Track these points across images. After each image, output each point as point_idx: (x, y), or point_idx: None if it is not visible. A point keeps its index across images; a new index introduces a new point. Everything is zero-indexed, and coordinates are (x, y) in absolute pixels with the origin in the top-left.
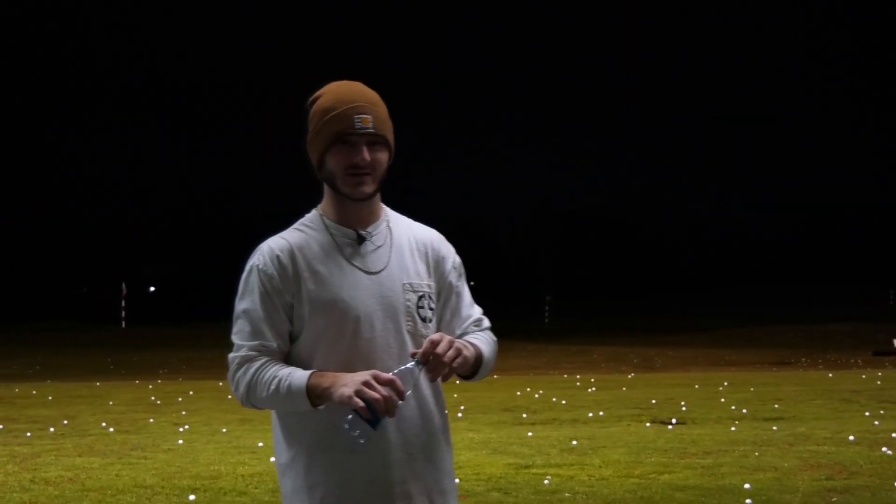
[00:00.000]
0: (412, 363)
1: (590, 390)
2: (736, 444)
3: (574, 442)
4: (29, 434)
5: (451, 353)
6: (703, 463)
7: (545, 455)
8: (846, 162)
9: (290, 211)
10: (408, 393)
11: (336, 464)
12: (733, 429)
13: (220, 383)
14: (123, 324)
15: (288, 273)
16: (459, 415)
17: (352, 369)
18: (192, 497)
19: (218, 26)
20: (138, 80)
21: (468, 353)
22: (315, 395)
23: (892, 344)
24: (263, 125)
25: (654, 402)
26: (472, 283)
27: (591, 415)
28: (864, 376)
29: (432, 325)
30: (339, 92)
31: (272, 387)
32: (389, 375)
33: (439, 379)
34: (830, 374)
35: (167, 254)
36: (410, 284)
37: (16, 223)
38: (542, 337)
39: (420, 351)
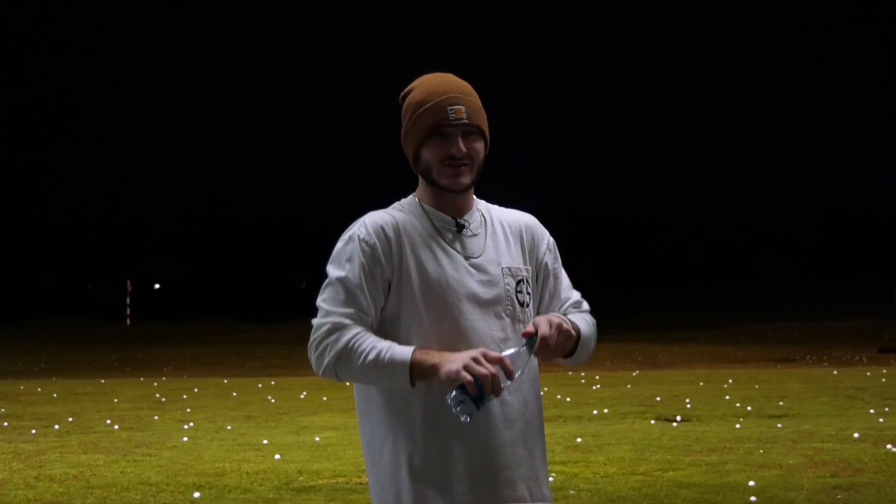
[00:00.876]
0: (523, 345)
1: (594, 387)
2: (741, 442)
3: (579, 439)
4: (34, 431)
5: (560, 338)
6: (708, 460)
7: (550, 452)
8: (853, 159)
9: (296, 209)
10: (518, 374)
11: (440, 447)
12: (738, 426)
13: (225, 380)
14: (128, 321)
15: (392, 247)
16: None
17: (452, 352)
18: (196, 494)
19: (232, 24)
20: (146, 75)
21: (573, 332)
22: (419, 370)
23: None
24: (272, 124)
25: (658, 399)
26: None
27: (595, 412)
28: (868, 373)
29: (530, 310)
30: (432, 84)
31: (371, 357)
32: (498, 354)
33: (536, 366)
34: (835, 372)
35: (172, 251)
36: (509, 269)
37: (21, 220)
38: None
39: (531, 331)
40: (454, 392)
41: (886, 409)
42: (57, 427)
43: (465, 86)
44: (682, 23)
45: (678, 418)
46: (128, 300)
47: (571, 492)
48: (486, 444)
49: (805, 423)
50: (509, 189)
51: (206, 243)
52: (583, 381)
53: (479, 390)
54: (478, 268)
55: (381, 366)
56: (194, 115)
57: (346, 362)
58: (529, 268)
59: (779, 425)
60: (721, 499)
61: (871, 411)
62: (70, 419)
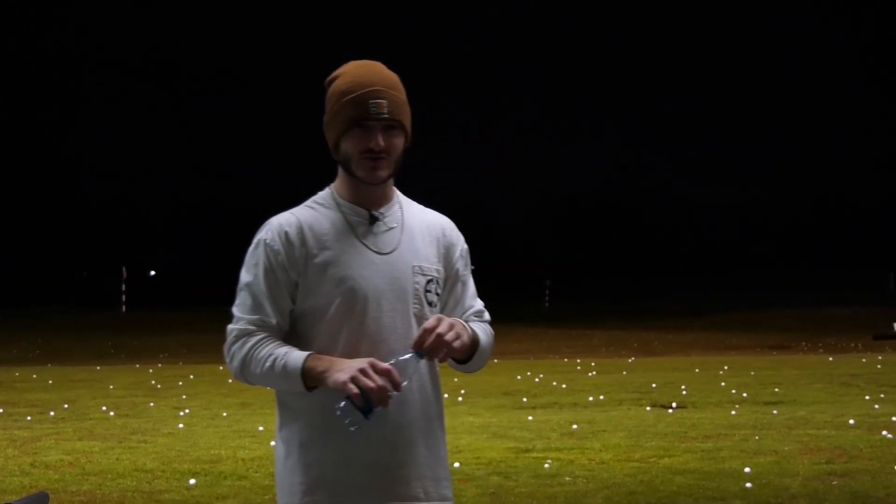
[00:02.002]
0: (411, 353)
1: (590, 374)
2: (736, 428)
3: (574, 426)
4: (29, 418)
5: (451, 334)
6: (703, 447)
7: (545, 439)
8: (846, 146)
9: (293, 196)
10: (405, 383)
11: (336, 444)
12: (733, 413)
13: (221, 367)
14: (124, 308)
15: (295, 250)
16: (460, 399)
17: (357, 349)
18: (192, 481)
19: (226, 12)
20: (141, 63)
21: (465, 335)
22: (310, 377)
23: (892, 328)
24: (267, 111)
25: (654, 386)
26: (472, 268)
27: (591, 399)
28: (863, 360)
29: (436, 310)
30: (357, 74)
31: (267, 364)
32: (387, 365)
33: (438, 366)
34: (830, 358)
35: (168, 238)
36: (420, 267)
37: (15, 206)
38: (542, 321)
39: (414, 342)
40: (343, 402)
41: (881, 396)
42: (52, 414)
43: (390, 78)
44: (673, 10)
45: (673, 405)
46: (123, 287)
47: (567, 478)
48: (382, 442)
49: (800, 409)
50: (502, 178)
51: (201, 230)
52: (578, 368)
53: (367, 402)
54: (388, 264)
55: (278, 372)
56: (191, 102)
57: (249, 369)
58: (441, 269)
59: (774, 412)
60: (716, 485)
61: (866, 398)
62: (65, 406)
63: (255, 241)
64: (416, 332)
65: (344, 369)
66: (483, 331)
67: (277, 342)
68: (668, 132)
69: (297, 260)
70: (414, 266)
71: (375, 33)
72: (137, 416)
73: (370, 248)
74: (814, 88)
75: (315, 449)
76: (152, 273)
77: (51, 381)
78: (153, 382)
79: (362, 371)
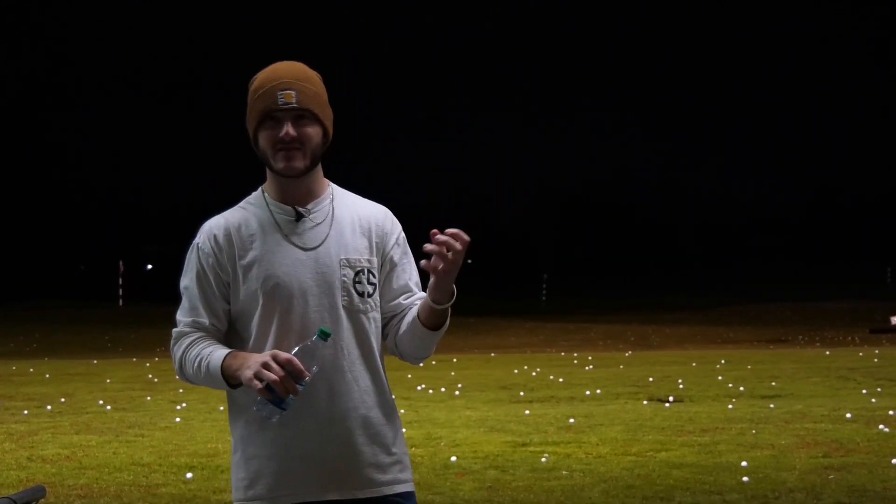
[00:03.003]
0: (315, 337)
1: (587, 368)
2: (733, 422)
3: (571, 420)
4: (26, 412)
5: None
6: (701, 441)
7: (542, 433)
8: (845, 140)
9: None
10: (314, 369)
11: (271, 438)
12: (730, 406)
13: None
14: (121, 302)
15: (223, 252)
16: (457, 393)
17: (285, 345)
18: (189, 475)
19: (220, 11)
20: (138, 57)
21: (456, 270)
22: (229, 375)
23: (890, 321)
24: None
25: (651, 379)
26: (469, 261)
27: (588, 393)
28: (861, 354)
29: (373, 300)
30: (269, 71)
31: (196, 364)
32: (287, 355)
33: (380, 357)
34: (827, 352)
35: (165, 232)
36: (347, 260)
37: (13, 201)
38: (539, 315)
39: (324, 324)
40: (258, 399)
41: (878, 390)
42: (49, 408)
43: (302, 72)
44: (673, 4)
45: (671, 399)
46: (120, 281)
47: (564, 472)
48: (315, 434)
49: (797, 403)
50: (500, 173)
51: (199, 224)
52: (575, 361)
53: (274, 393)
54: (313, 259)
55: (204, 372)
56: (188, 97)
57: (184, 369)
58: (374, 259)
59: (771, 406)
60: (713, 479)
61: (864, 392)
62: (62, 400)
63: (191, 245)
64: (346, 324)
65: (251, 365)
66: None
67: (208, 342)
68: (666, 126)
69: (225, 262)
70: (341, 259)
71: (374, 29)
72: (134, 409)
73: (295, 245)
74: (813, 83)
75: (253, 444)
76: (149, 267)
77: (48, 375)
78: (150, 376)
79: (264, 364)
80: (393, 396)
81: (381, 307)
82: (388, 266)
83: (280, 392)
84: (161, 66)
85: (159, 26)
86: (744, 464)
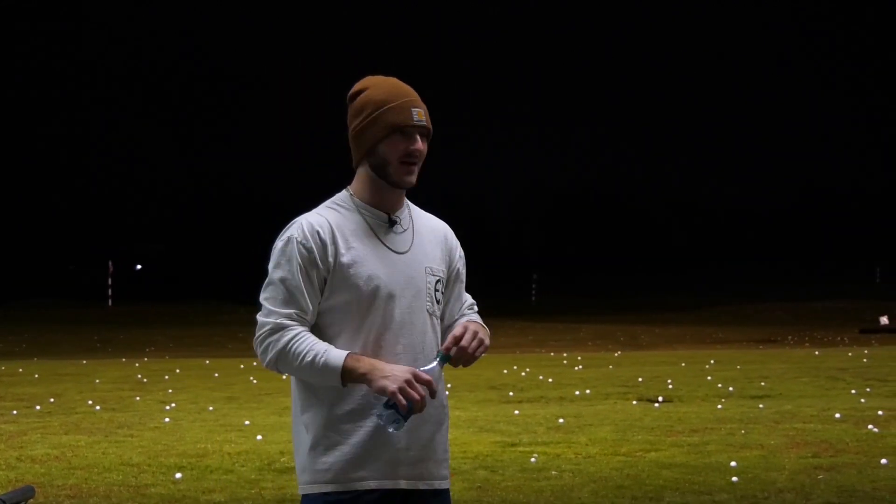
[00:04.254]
0: (436, 361)
1: (577, 368)
2: (722, 422)
3: (561, 420)
4: (15, 412)
5: (474, 343)
6: (690, 441)
7: (532, 433)
8: (834, 140)
9: (280, 191)
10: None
11: (355, 427)
12: (720, 407)
13: (207, 361)
14: (110, 301)
15: (326, 248)
16: (446, 392)
17: (380, 342)
18: (178, 475)
19: (207, 11)
20: (127, 58)
21: (486, 340)
22: (350, 377)
23: (879, 322)
24: (254, 108)
25: (640, 380)
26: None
27: (577, 393)
28: (850, 354)
29: (441, 308)
30: (392, 85)
31: (307, 359)
32: (428, 377)
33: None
34: (817, 352)
35: (155, 232)
36: (430, 268)
37: (2, 200)
38: (529, 315)
39: (444, 347)
40: (386, 411)
41: (868, 390)
42: (38, 408)
43: (416, 92)
44: (660, 6)
45: (660, 399)
46: (110, 281)
47: (553, 472)
48: (408, 424)
49: (787, 403)
50: (490, 173)
51: (188, 224)
52: (565, 361)
53: (409, 409)
54: (405, 263)
55: (317, 368)
56: (179, 98)
57: (286, 361)
58: (445, 270)
59: (760, 406)
60: (703, 479)
61: (853, 392)
62: (52, 400)
63: (284, 237)
64: (429, 327)
65: (389, 377)
66: (481, 323)
67: (314, 337)
68: (655, 127)
69: (327, 258)
70: (426, 266)
71: (366, 30)
72: (124, 410)
73: (390, 248)
74: (803, 82)
75: (337, 431)
76: (139, 267)
77: (37, 375)
78: (139, 376)
79: (408, 382)
80: None
81: (446, 318)
82: (454, 279)
83: (416, 409)
84: (151, 67)
85: (149, 26)
86: (733, 464)
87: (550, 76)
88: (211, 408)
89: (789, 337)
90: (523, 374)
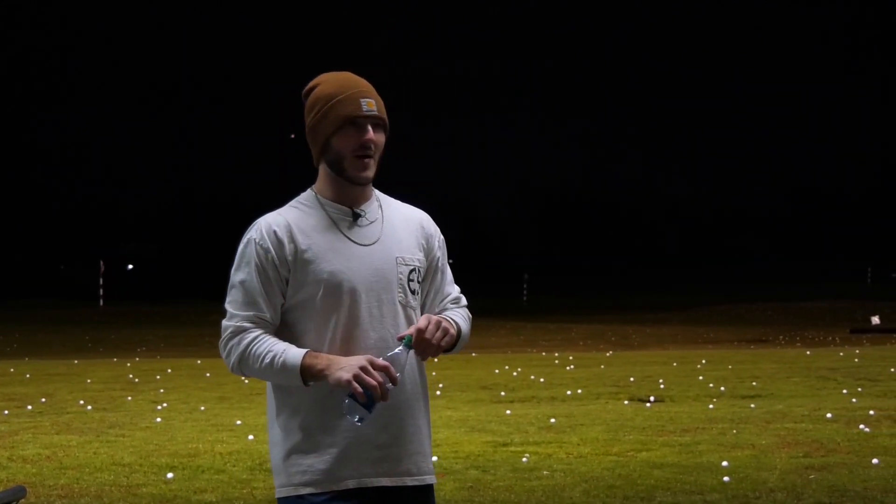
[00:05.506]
0: (401, 347)
1: (568, 368)
2: (714, 422)
3: (552, 420)
4: (6, 412)
5: (438, 334)
6: (681, 441)
7: (523, 433)
8: (825, 141)
9: (269, 191)
10: (398, 375)
11: (330, 426)
12: (711, 406)
13: (199, 361)
14: (101, 301)
15: (284, 248)
16: (438, 392)
17: (348, 338)
18: (170, 475)
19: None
20: (118, 58)
21: (452, 330)
22: (309, 374)
23: (870, 321)
24: (244, 108)
25: (632, 379)
26: (451, 261)
27: (569, 393)
28: (841, 354)
29: (418, 298)
30: (340, 79)
31: (266, 361)
32: (384, 362)
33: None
34: (808, 352)
35: (145, 232)
36: (402, 258)
37: None
38: (520, 314)
39: (407, 333)
40: (346, 401)
41: (859, 390)
42: (30, 408)
43: (370, 84)
44: (651, 7)
45: (651, 399)
46: (101, 281)
47: (545, 472)
48: (374, 422)
49: (778, 403)
50: (482, 173)
51: (180, 224)
52: (556, 361)
53: (369, 397)
54: (371, 255)
55: (276, 369)
56: (169, 98)
57: (248, 365)
58: (423, 259)
59: (752, 406)
60: (694, 479)
61: (844, 392)
62: (43, 400)
63: (244, 240)
64: (402, 319)
65: (344, 368)
66: (463, 318)
67: (273, 339)
68: (646, 127)
69: (285, 256)
70: (397, 257)
71: (362, 31)
72: (115, 409)
73: (354, 241)
74: (793, 83)
75: (314, 432)
76: (130, 267)
77: (28, 375)
78: (131, 376)
79: (363, 369)
80: None
81: (426, 310)
82: (433, 269)
83: (375, 397)
84: (142, 68)
85: (138, 28)
86: (724, 464)
87: (542, 77)
88: (202, 407)
89: (780, 337)
90: (515, 373)
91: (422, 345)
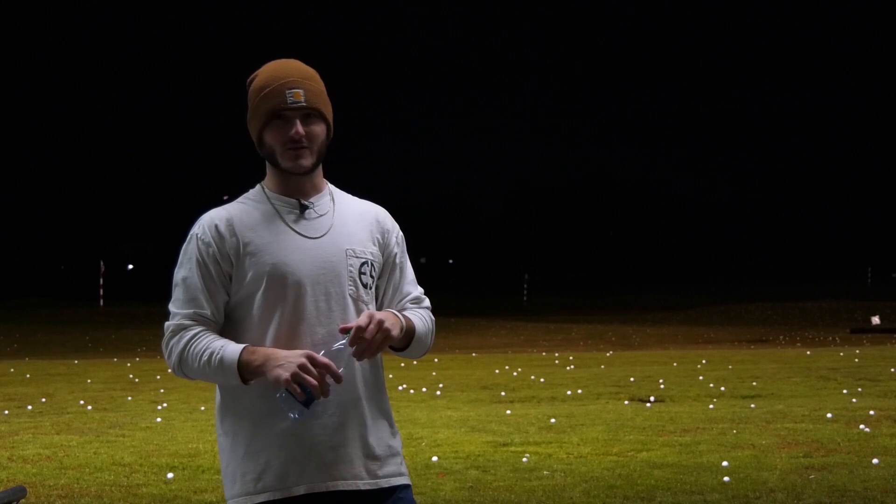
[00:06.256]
0: (344, 340)
1: (568, 368)
2: (714, 422)
3: (552, 420)
4: (6, 412)
5: (378, 335)
6: (682, 441)
7: (523, 433)
8: (826, 140)
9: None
10: (341, 370)
11: (279, 429)
12: (711, 406)
13: None
14: (101, 301)
15: (226, 242)
16: (438, 393)
17: (294, 334)
18: (170, 475)
19: (204, 11)
20: (119, 60)
21: (395, 331)
22: (247, 371)
23: (871, 321)
24: (244, 108)
25: (632, 379)
26: (451, 261)
27: (569, 393)
28: (841, 354)
29: (371, 293)
30: (273, 69)
31: (203, 359)
32: (325, 359)
33: (380, 358)
34: (808, 352)
35: (145, 231)
36: (353, 250)
37: None
38: (520, 314)
39: (350, 326)
40: (283, 394)
41: (859, 390)
42: (30, 408)
43: (306, 70)
44: (652, 7)
45: (651, 399)
46: (101, 281)
47: (545, 472)
48: (320, 424)
49: (778, 403)
50: (481, 172)
51: (179, 224)
52: (556, 361)
53: (307, 395)
54: (319, 248)
55: (214, 367)
56: (169, 97)
57: (187, 364)
58: (377, 254)
59: (752, 406)
60: (694, 479)
61: (844, 392)
62: (43, 400)
63: (188, 236)
64: (353, 313)
65: (282, 364)
66: (420, 318)
67: (213, 336)
68: (647, 127)
69: (227, 252)
70: (347, 249)
71: (358, 25)
72: (115, 409)
73: (300, 234)
74: (793, 83)
75: (261, 436)
76: (130, 267)
77: (28, 375)
78: (131, 376)
79: (302, 367)
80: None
81: (384, 306)
82: (390, 266)
83: (315, 395)
84: (142, 67)
85: (139, 27)
86: (725, 464)
87: (542, 78)
88: (203, 408)
89: (780, 337)
90: (515, 373)
91: (359, 343)
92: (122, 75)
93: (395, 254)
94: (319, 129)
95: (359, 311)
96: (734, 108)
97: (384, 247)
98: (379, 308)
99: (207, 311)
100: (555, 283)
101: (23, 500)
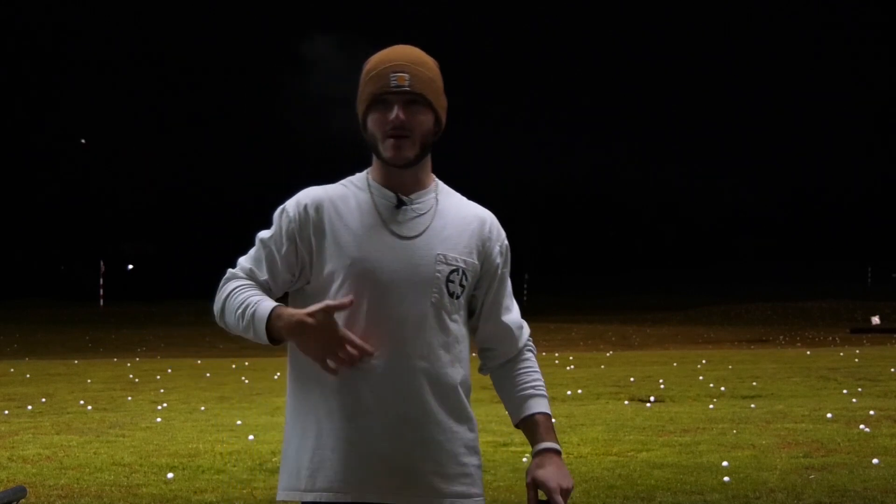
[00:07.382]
0: None
1: (568, 368)
2: (714, 422)
3: (552, 420)
4: (6, 412)
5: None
6: (682, 441)
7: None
8: (826, 142)
9: (270, 192)
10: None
11: (338, 429)
12: (711, 406)
13: (199, 361)
14: (101, 301)
15: (309, 225)
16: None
17: (367, 337)
18: (170, 475)
19: (204, 6)
20: (118, 58)
21: (571, 481)
22: (274, 331)
23: (870, 321)
24: (244, 109)
25: (632, 380)
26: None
27: (569, 393)
28: (841, 354)
29: (460, 303)
30: (384, 53)
31: (239, 310)
32: (348, 334)
33: (466, 355)
34: (808, 352)
35: (145, 232)
36: (445, 256)
37: None
38: (520, 314)
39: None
40: None
41: (859, 390)
42: (30, 408)
43: (418, 56)
44: (652, 7)
45: (651, 399)
46: (101, 281)
47: None
48: (382, 430)
49: (778, 403)
50: (481, 171)
51: (179, 224)
52: (556, 361)
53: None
54: (409, 249)
55: (247, 321)
56: (168, 97)
57: (225, 311)
58: (474, 262)
59: (752, 406)
60: (694, 479)
61: (844, 392)
62: (43, 400)
63: (281, 206)
64: (430, 321)
65: (307, 346)
66: (544, 392)
67: (256, 291)
68: (647, 127)
69: (309, 234)
70: (438, 254)
71: (358, 25)
72: (115, 409)
73: (392, 232)
74: (793, 84)
75: (324, 434)
76: (130, 267)
77: (28, 375)
78: (131, 376)
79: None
80: (470, 405)
81: (479, 320)
82: (490, 276)
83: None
84: (143, 66)
85: (140, 24)
86: (725, 464)
87: (541, 77)
88: (203, 408)
89: (780, 337)
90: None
91: None
92: (122, 75)
93: (498, 264)
94: (425, 118)
95: (440, 321)
96: (734, 109)
97: (485, 256)
98: (471, 315)
99: (262, 276)
100: (555, 283)
101: (23, 500)
